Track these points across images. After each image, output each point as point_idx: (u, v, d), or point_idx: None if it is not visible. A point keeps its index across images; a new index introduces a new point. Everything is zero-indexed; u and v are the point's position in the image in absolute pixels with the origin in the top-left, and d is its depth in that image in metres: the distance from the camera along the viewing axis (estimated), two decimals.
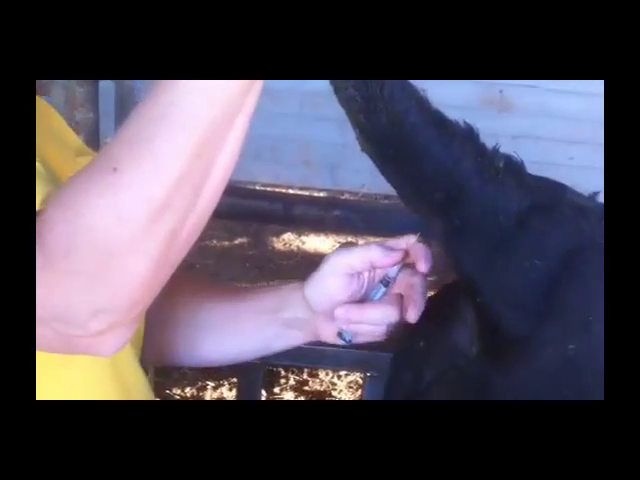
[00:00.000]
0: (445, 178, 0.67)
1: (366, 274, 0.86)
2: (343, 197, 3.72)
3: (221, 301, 0.99)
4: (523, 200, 0.67)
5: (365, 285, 0.86)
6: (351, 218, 1.84)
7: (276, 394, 2.92)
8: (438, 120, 0.67)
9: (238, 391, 1.51)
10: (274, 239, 3.95)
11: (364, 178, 3.53)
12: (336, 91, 0.69)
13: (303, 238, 3.95)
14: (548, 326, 0.65)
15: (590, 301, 0.64)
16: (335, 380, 2.98)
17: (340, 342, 0.86)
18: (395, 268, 0.82)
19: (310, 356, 1.41)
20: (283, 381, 2.98)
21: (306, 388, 2.98)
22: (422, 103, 0.68)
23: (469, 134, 0.68)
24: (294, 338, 0.95)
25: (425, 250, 0.81)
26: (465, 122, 0.68)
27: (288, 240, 3.96)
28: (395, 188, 0.71)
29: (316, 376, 3.03)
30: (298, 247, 3.85)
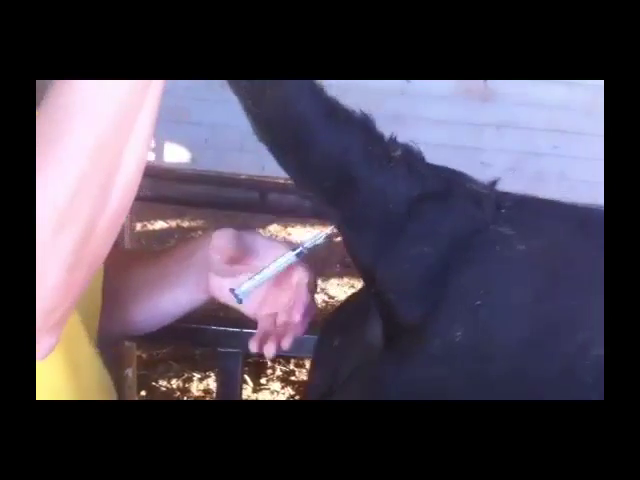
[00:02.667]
0: (334, 167, 0.66)
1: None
2: None
3: (145, 267, 1.01)
4: (414, 188, 0.67)
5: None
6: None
7: (263, 385, 2.92)
8: (329, 108, 0.66)
9: (218, 382, 1.50)
10: (260, 230, 3.95)
11: None
12: None
13: (289, 229, 3.95)
14: (437, 313, 0.64)
15: (478, 286, 0.64)
16: None
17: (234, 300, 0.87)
18: (314, 239, 0.82)
19: (293, 343, 1.41)
20: (270, 372, 2.99)
21: (292, 378, 2.98)
22: (314, 91, 0.67)
23: (363, 123, 0.67)
24: (194, 294, 0.97)
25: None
26: (361, 111, 0.68)
27: (274, 231, 3.96)
28: (290, 176, 0.71)
29: (302, 366, 3.03)
30: (284, 238, 3.85)
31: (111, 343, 1.17)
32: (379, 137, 0.68)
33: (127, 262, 1.02)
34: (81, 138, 0.62)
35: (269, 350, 0.87)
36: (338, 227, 0.71)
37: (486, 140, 3.72)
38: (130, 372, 2.06)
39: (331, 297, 3.47)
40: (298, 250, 0.83)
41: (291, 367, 3.03)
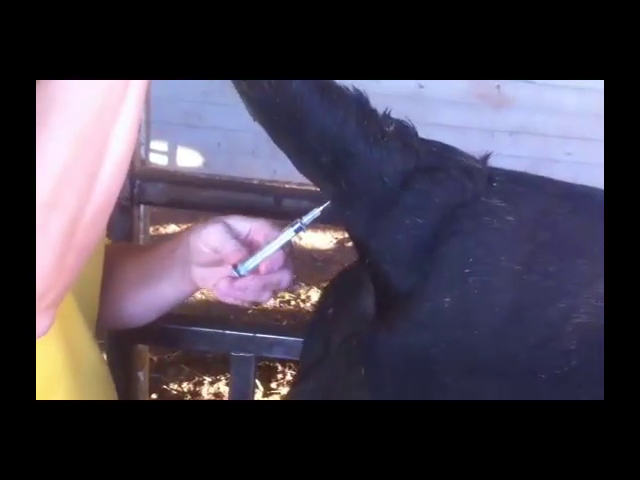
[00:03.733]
0: (330, 142, 0.68)
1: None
2: None
3: (134, 261, 1.03)
4: (408, 162, 0.68)
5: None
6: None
7: (273, 389, 2.92)
8: (323, 86, 0.68)
9: (231, 386, 1.51)
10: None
11: None
12: None
13: (300, 233, 3.94)
14: (426, 281, 0.66)
15: (466, 255, 0.66)
16: None
17: (234, 274, 0.87)
18: (311, 214, 0.83)
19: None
20: (280, 376, 2.99)
21: None
22: None
23: (357, 99, 0.69)
24: (179, 286, 0.99)
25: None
26: (354, 87, 0.70)
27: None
28: (287, 155, 0.73)
29: None
30: (295, 242, 3.85)
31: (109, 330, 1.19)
32: (373, 112, 0.70)
33: (120, 256, 1.04)
34: (62, 131, 0.64)
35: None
36: (333, 201, 0.73)
37: (499, 146, 3.71)
38: (142, 375, 2.06)
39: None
40: (297, 226, 0.84)
41: None
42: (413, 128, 0.70)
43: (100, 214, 0.69)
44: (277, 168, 3.71)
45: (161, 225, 3.84)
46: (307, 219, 0.83)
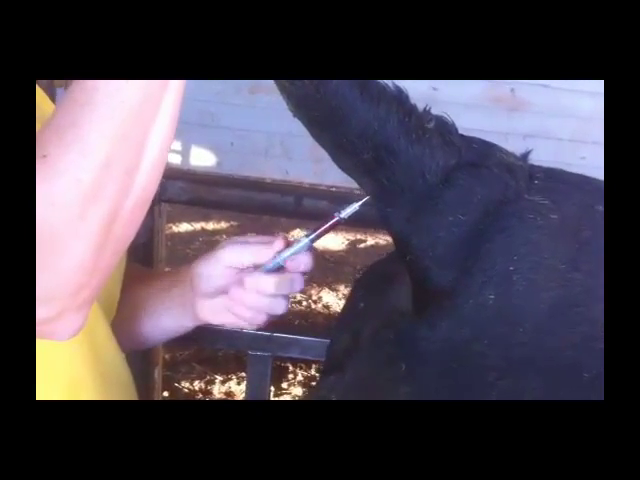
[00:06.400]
0: (372, 139, 0.68)
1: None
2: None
3: (139, 288, 1.02)
4: (450, 158, 0.69)
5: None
6: (360, 211, 1.83)
7: (284, 389, 2.92)
8: (362, 82, 0.68)
9: (247, 384, 1.52)
10: (284, 235, 3.95)
11: None
12: None
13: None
14: (470, 278, 0.66)
15: (511, 252, 0.66)
16: None
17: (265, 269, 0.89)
18: (351, 207, 0.83)
19: (319, 348, 1.42)
20: (291, 376, 2.99)
21: (314, 383, 2.99)
22: None
23: (397, 96, 0.69)
24: (180, 320, 0.99)
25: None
26: (393, 83, 0.70)
27: (297, 236, 3.96)
28: (327, 151, 0.73)
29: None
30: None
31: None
32: (413, 109, 0.70)
33: (131, 278, 1.03)
34: (104, 124, 0.64)
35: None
36: (374, 197, 0.73)
37: (513, 150, 3.70)
38: (156, 372, 2.07)
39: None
40: (335, 219, 0.85)
41: (312, 372, 3.03)
42: (453, 124, 0.70)
43: (137, 210, 0.70)
44: (289, 168, 3.71)
45: (174, 224, 3.85)
46: (346, 213, 0.83)
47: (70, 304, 0.68)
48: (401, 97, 0.69)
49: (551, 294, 0.64)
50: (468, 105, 3.60)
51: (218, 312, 0.94)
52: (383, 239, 3.91)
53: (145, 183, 0.68)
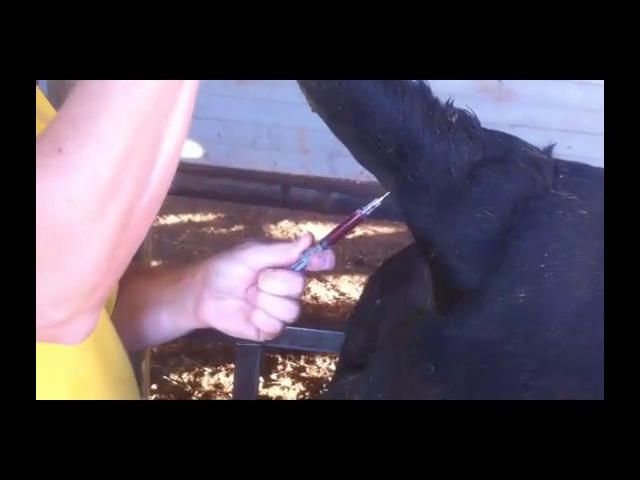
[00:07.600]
0: (396, 134, 0.66)
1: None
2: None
3: (137, 285, 0.99)
4: (475, 153, 0.67)
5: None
6: (349, 201, 1.82)
7: (273, 380, 2.92)
8: None
9: (236, 376, 1.50)
10: (271, 226, 3.95)
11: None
12: None
13: (300, 225, 3.94)
14: (499, 276, 0.65)
15: (542, 249, 0.65)
16: (332, 367, 2.99)
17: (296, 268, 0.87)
18: (373, 203, 0.82)
19: (308, 338, 1.42)
20: (280, 367, 2.99)
21: (303, 374, 2.99)
22: None
23: (419, 89, 0.68)
24: (180, 319, 0.96)
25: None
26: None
27: (285, 227, 3.96)
28: (347, 147, 0.71)
29: (313, 362, 3.04)
30: (295, 235, 3.85)
31: None
32: (436, 102, 0.69)
33: (126, 273, 1.01)
34: (122, 118, 0.62)
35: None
36: (396, 193, 0.71)
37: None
38: (144, 365, 2.06)
39: (342, 294, 3.47)
40: (357, 216, 0.83)
41: (302, 363, 3.03)
42: (475, 118, 0.69)
43: (152, 207, 0.68)
44: (277, 160, 3.70)
45: (160, 216, 3.83)
46: (367, 209, 0.82)
47: (84, 305, 0.66)
48: (423, 90, 0.67)
49: (582, 292, 0.63)
50: (455, 95, 3.59)
51: (223, 316, 0.91)
52: (371, 229, 3.91)
53: (161, 179, 0.67)
